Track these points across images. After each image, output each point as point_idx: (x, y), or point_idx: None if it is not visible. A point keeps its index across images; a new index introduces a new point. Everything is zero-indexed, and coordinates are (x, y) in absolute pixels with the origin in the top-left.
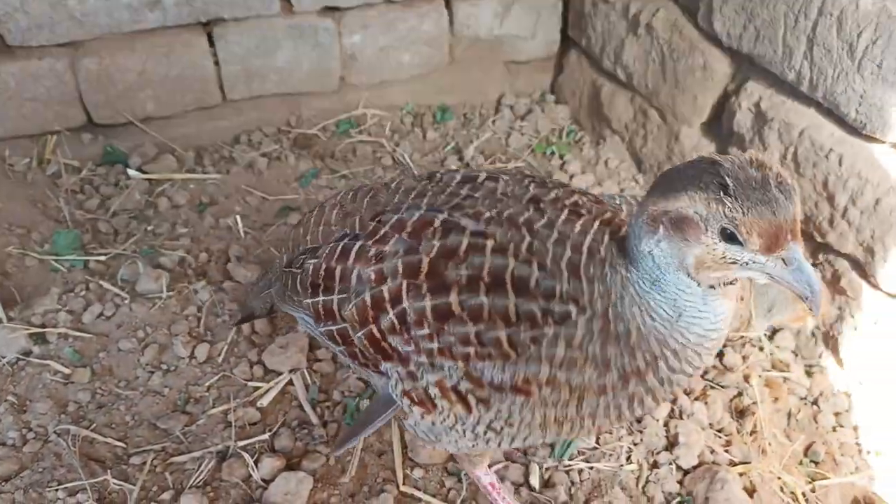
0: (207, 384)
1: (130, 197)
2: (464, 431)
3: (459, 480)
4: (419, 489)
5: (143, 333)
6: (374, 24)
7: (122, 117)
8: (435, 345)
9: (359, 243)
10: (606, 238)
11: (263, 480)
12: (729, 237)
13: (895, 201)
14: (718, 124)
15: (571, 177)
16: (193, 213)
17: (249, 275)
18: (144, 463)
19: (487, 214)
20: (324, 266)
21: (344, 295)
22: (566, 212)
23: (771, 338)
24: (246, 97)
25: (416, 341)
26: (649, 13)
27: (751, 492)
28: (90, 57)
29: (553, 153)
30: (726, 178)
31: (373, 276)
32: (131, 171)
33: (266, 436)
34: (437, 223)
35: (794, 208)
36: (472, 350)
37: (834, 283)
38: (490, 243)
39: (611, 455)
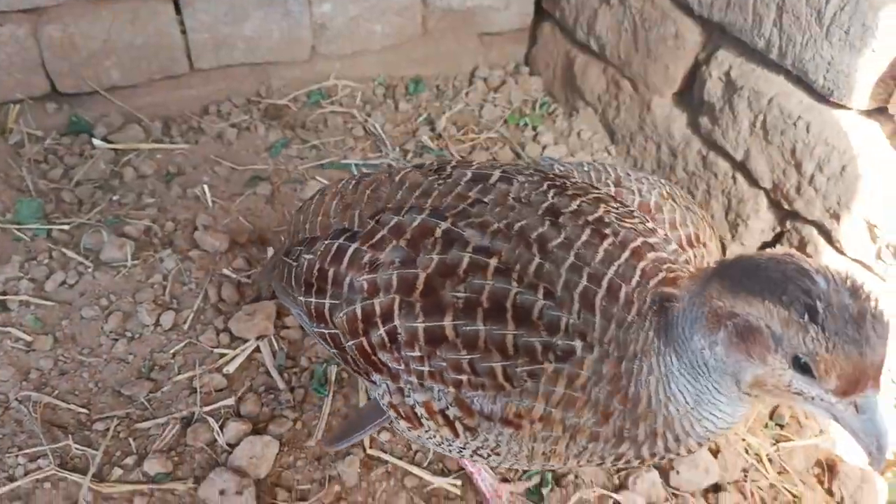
0: (172, 351)
1: (95, 167)
2: (450, 450)
3: None
4: (386, 452)
5: (106, 301)
6: None
7: (86, 86)
8: (426, 368)
9: (354, 246)
10: (642, 280)
11: (229, 445)
12: (802, 367)
13: (860, 168)
14: (690, 94)
15: (544, 147)
16: (160, 183)
17: (217, 244)
18: (108, 429)
19: (495, 226)
20: (318, 266)
21: (336, 301)
22: (588, 231)
23: None
24: (214, 66)
25: (405, 361)
26: None
27: (715, 452)
28: (53, 24)
29: (526, 125)
30: (817, 300)
31: (365, 287)
32: (96, 141)
33: (232, 401)
34: (438, 232)
35: (884, 351)
36: (464, 378)
37: (801, 249)
38: (493, 263)
39: None
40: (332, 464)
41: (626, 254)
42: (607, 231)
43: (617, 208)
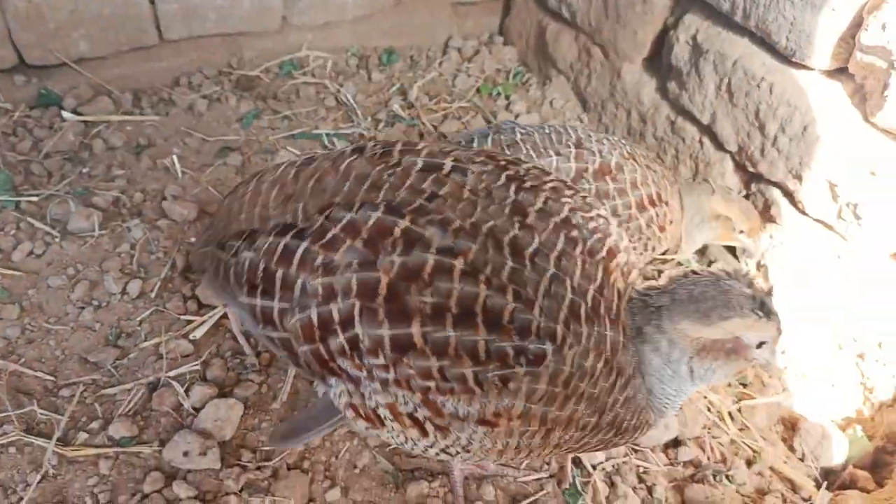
0: (139, 319)
1: (64, 139)
2: (413, 448)
3: None
4: None
5: (73, 271)
6: None
7: (54, 58)
8: (391, 375)
9: (303, 245)
10: (617, 295)
11: (194, 408)
12: (759, 345)
13: (821, 128)
14: (659, 60)
15: (517, 116)
16: (130, 154)
17: (186, 213)
18: (74, 395)
19: (457, 224)
20: (262, 266)
21: (286, 304)
22: (562, 238)
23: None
24: (185, 37)
25: (368, 369)
26: None
27: None
28: None
29: (499, 94)
30: (761, 300)
31: (320, 291)
32: (66, 114)
33: (197, 365)
34: (397, 232)
35: None
36: (432, 384)
37: (766, 211)
38: (459, 264)
39: None
40: None
41: (599, 266)
42: (576, 235)
43: (572, 196)
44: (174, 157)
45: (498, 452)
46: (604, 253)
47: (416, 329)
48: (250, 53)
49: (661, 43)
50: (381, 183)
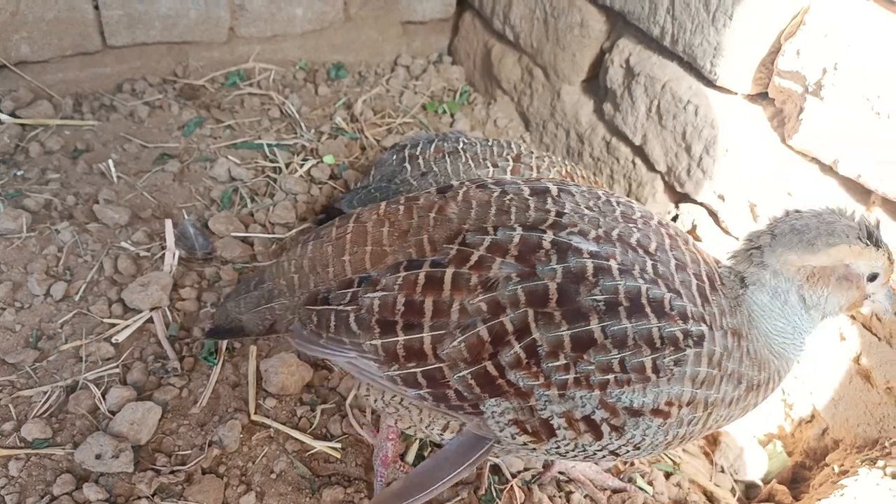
0: (61, 321)
1: None
2: (577, 455)
3: (312, 410)
4: (270, 417)
5: None
6: None
7: None
8: (570, 375)
9: (450, 270)
10: (715, 268)
11: (111, 411)
12: (871, 277)
13: (743, 150)
14: (596, 82)
15: None
16: (67, 158)
17: (117, 217)
18: None
19: (593, 233)
20: (402, 300)
21: (440, 331)
22: (665, 235)
23: None
24: (129, 44)
25: (545, 374)
26: None
27: None
28: None
29: (444, 111)
30: (868, 229)
31: (484, 308)
32: (2, 116)
33: (116, 368)
34: (546, 244)
35: None
36: (611, 377)
37: (693, 231)
38: (614, 264)
39: None
40: (215, 429)
41: (699, 251)
42: (671, 231)
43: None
44: (110, 162)
45: (666, 445)
46: (691, 240)
47: (595, 324)
48: (196, 63)
49: (599, 65)
50: (506, 207)
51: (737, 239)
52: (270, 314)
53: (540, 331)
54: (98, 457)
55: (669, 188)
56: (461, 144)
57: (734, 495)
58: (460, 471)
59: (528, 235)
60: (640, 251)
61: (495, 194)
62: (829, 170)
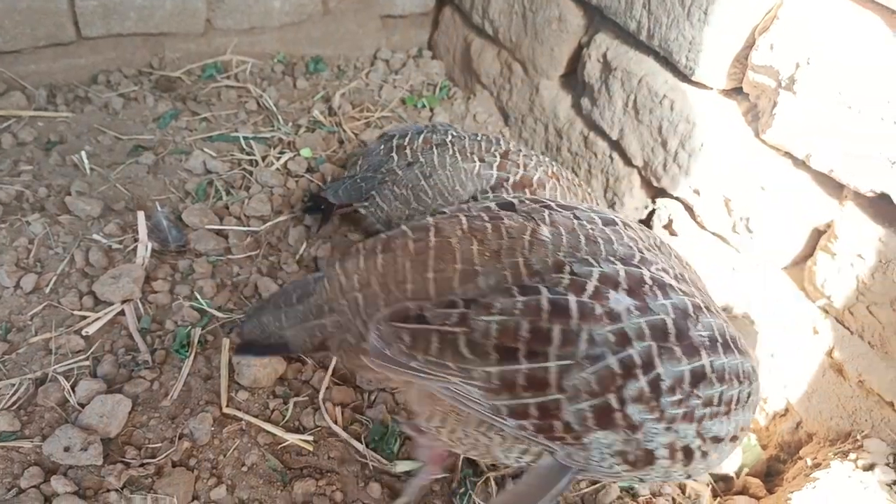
0: (31, 313)
1: None
2: (654, 478)
3: (285, 403)
4: (242, 410)
5: None
6: None
7: None
8: (681, 410)
9: (574, 298)
10: None
11: (80, 404)
12: None
13: (717, 145)
14: (574, 77)
15: None
16: (39, 150)
17: (89, 209)
18: None
19: (672, 272)
20: (527, 326)
21: (567, 361)
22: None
23: None
24: (103, 34)
25: (661, 408)
26: None
27: None
28: None
29: (424, 106)
30: None
31: (612, 339)
32: None
33: (86, 361)
34: (648, 279)
35: None
36: (709, 410)
37: (669, 226)
38: (701, 303)
39: None
40: (185, 422)
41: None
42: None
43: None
44: (83, 154)
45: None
46: None
47: (706, 360)
48: (173, 55)
49: (577, 60)
50: (593, 237)
51: (713, 234)
52: (321, 331)
53: (664, 366)
54: (67, 449)
55: (646, 183)
56: (449, 137)
57: (708, 487)
58: (547, 501)
59: (630, 270)
60: (702, 290)
61: (576, 222)
62: (802, 164)
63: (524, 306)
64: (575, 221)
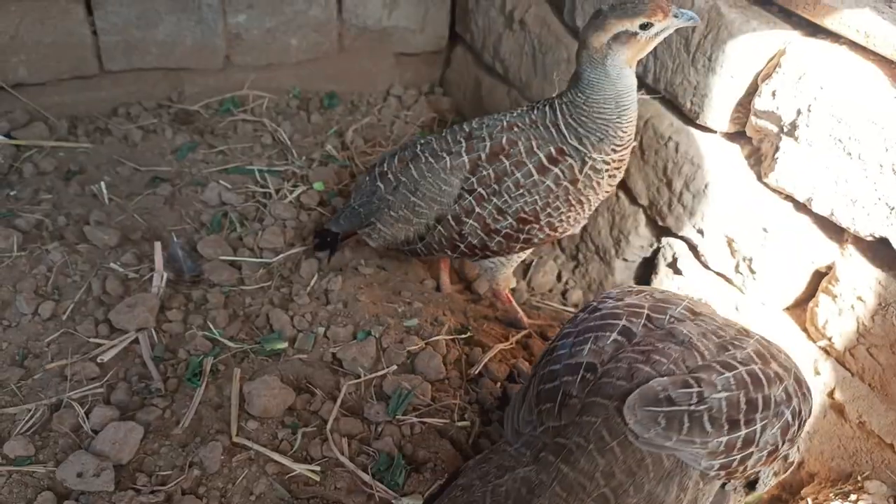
0: (48, 340)
1: None
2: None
3: (294, 433)
4: (251, 439)
5: None
6: (261, 5)
7: None
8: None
9: (757, 367)
10: None
11: (93, 430)
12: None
13: (721, 186)
14: None
15: None
16: (59, 180)
17: (106, 238)
18: None
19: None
20: (744, 399)
21: (765, 422)
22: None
23: None
24: (125, 69)
25: (793, 441)
26: (523, 9)
27: None
28: None
29: None
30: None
31: (785, 397)
32: None
33: (101, 388)
34: (772, 348)
35: None
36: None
37: (673, 264)
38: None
39: (444, 412)
40: (196, 451)
41: None
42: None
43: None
44: (102, 184)
45: None
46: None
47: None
48: (192, 89)
49: None
50: (717, 332)
51: (717, 273)
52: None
53: (804, 413)
54: (79, 475)
55: (651, 222)
56: (419, 147)
57: None
58: None
59: (761, 341)
60: None
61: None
62: (803, 207)
63: (738, 381)
64: (696, 321)
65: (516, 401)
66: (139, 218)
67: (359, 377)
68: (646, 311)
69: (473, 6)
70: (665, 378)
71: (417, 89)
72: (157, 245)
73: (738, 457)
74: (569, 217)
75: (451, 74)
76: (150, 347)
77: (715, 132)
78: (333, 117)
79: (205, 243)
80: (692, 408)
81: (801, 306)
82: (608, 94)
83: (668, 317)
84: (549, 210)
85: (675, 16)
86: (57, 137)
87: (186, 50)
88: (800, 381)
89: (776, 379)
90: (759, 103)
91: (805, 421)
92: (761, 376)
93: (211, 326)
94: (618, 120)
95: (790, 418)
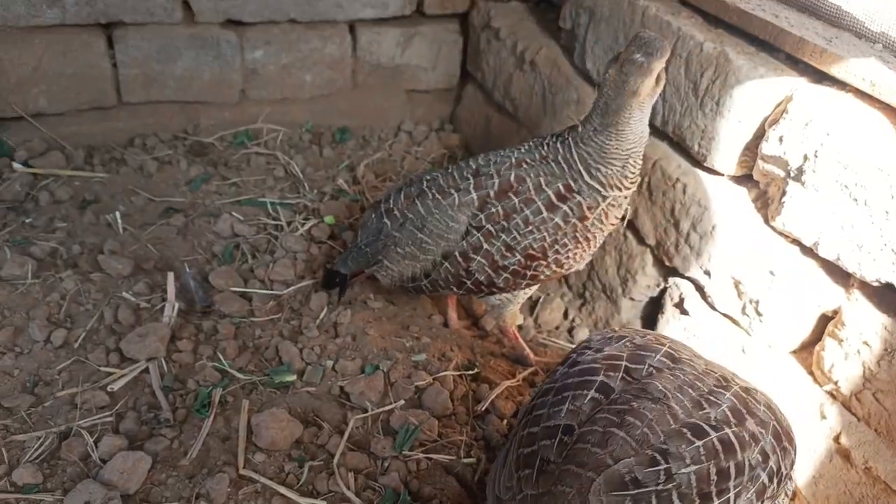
0: (59, 368)
1: (10, 188)
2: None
3: (300, 466)
4: (258, 472)
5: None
6: (277, 42)
7: (12, 110)
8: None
9: (730, 431)
10: None
11: (102, 459)
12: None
13: (728, 228)
14: None
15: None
16: (74, 209)
17: (120, 267)
18: None
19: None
20: (714, 470)
21: (739, 487)
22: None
23: None
24: (143, 101)
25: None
26: (534, 51)
27: None
28: None
29: None
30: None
31: (760, 459)
32: (15, 164)
33: (110, 417)
34: (753, 400)
35: None
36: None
37: (680, 304)
38: None
39: (451, 448)
40: (203, 482)
41: None
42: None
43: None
44: (117, 214)
45: None
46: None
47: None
48: (207, 122)
49: None
50: (691, 383)
51: (723, 315)
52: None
53: (785, 467)
54: None
55: (658, 262)
56: (425, 183)
57: None
58: None
59: (738, 395)
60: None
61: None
62: (810, 251)
63: (705, 450)
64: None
65: (498, 464)
66: (152, 248)
67: (366, 411)
68: (623, 364)
69: (485, 46)
70: (631, 458)
71: (428, 125)
72: (170, 275)
73: None
74: (575, 254)
75: (461, 112)
76: (160, 377)
77: (722, 175)
78: (345, 152)
79: (216, 274)
80: (660, 487)
81: (807, 349)
82: (639, 131)
83: (646, 366)
84: (556, 247)
85: None
86: (73, 167)
87: (204, 84)
88: (779, 436)
89: (751, 441)
90: (767, 148)
91: (786, 476)
92: (734, 441)
93: (221, 357)
94: (637, 155)
95: (766, 480)
